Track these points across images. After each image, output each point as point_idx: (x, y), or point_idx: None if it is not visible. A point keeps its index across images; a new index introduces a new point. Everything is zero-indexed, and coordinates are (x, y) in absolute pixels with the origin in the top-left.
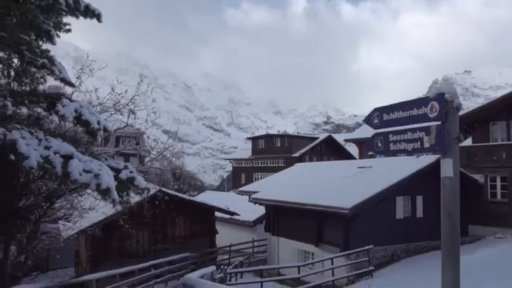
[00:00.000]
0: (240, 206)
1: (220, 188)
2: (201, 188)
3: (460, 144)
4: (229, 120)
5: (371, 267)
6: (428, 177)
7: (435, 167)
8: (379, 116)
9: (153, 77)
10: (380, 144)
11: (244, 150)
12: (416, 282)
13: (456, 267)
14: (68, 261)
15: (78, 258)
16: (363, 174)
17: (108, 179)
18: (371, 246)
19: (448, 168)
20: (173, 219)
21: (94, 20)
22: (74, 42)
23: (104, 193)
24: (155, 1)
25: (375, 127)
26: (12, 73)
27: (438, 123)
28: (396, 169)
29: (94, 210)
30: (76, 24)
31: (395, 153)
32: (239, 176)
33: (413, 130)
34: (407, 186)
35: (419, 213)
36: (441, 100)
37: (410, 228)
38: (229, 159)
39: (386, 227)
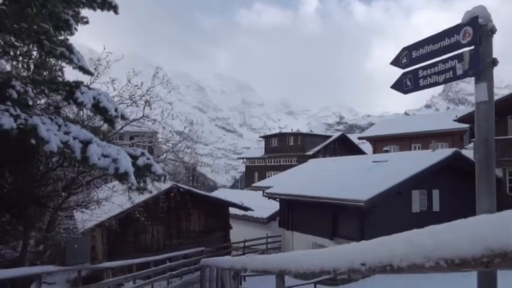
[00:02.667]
0: (253, 204)
1: (233, 188)
2: (214, 189)
3: None
4: (242, 121)
5: None
6: (444, 171)
7: (451, 160)
8: (408, 54)
9: (166, 78)
10: (409, 83)
11: (257, 149)
12: (433, 276)
13: (492, 198)
14: (83, 256)
15: (94, 253)
16: (379, 168)
17: (126, 163)
18: None
19: (482, 93)
20: (188, 215)
21: (108, 23)
22: (88, 45)
23: (122, 177)
24: (167, 3)
25: (403, 66)
26: (32, 66)
27: (472, 47)
28: (411, 163)
29: (110, 202)
30: (91, 25)
31: (424, 88)
32: (252, 175)
33: (444, 61)
34: (423, 180)
35: (436, 207)
36: (474, 24)
37: (426, 222)
38: (242, 158)
39: (401, 220)
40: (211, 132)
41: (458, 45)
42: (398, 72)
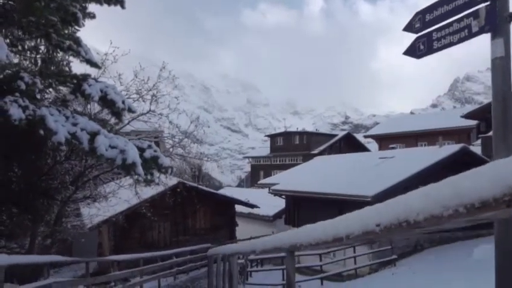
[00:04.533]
0: (259, 202)
1: (238, 187)
2: (219, 188)
3: (485, 135)
4: (247, 121)
5: (394, 256)
6: (452, 167)
7: (458, 156)
8: (421, 18)
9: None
10: (422, 47)
11: (263, 149)
12: (440, 272)
13: (510, 155)
14: (90, 253)
15: (101, 250)
16: (385, 165)
17: (134, 154)
18: None
19: (498, 48)
20: (194, 212)
21: (112, 23)
22: (93, 45)
23: (130, 168)
24: (170, 3)
25: (416, 31)
26: (39, 61)
27: (488, 3)
28: (418, 159)
29: (117, 197)
30: (96, 25)
31: (438, 50)
32: (257, 174)
33: (459, 20)
34: (430, 176)
35: None
36: None
37: None
38: (247, 157)
39: None
40: (217, 133)
41: (473, 3)
42: (400, 70)
